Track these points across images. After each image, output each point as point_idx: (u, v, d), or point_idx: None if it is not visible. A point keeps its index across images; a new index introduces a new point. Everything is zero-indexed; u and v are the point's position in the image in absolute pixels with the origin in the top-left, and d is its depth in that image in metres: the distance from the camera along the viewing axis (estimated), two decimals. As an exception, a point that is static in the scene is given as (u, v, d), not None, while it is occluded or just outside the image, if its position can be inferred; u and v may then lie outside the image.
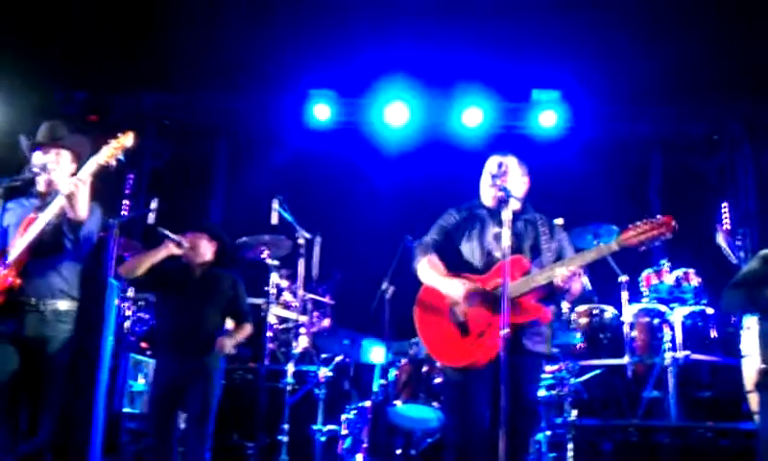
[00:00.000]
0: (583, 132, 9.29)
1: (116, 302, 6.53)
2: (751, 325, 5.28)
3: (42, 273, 4.63)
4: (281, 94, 9.32)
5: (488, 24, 8.07)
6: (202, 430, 5.39)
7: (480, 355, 4.34)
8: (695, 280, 7.43)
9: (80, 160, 4.85)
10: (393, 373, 6.30)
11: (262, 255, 7.25)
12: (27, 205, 4.80)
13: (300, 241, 7.36)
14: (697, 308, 7.24)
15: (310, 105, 9.31)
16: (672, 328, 7.08)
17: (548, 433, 6.11)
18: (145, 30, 8.01)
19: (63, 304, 4.68)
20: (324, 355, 7.01)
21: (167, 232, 5.62)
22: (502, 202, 4.33)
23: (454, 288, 4.46)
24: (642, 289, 7.55)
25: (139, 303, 7.20)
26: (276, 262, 7.30)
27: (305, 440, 6.52)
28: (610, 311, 7.39)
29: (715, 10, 7.59)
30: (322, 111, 9.30)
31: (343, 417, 6.31)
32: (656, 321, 7.21)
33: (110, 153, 4.60)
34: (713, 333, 7.18)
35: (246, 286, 5.91)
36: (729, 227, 8.13)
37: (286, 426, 6.30)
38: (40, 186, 4.79)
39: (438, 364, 4.67)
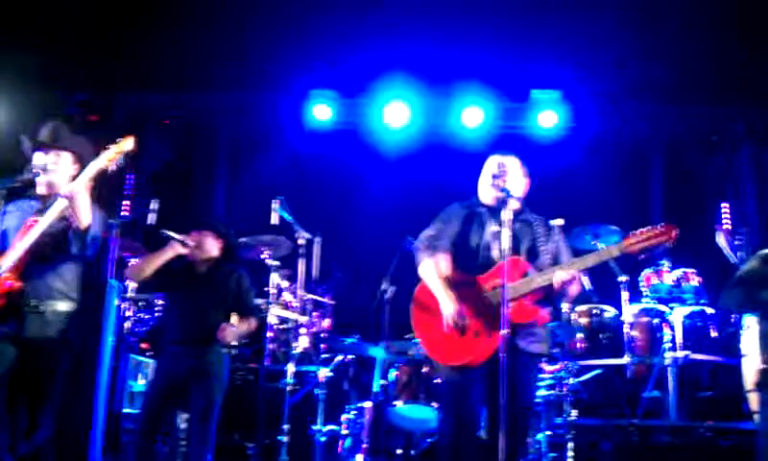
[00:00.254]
0: (583, 132, 9.28)
1: (116, 302, 6.55)
2: (750, 324, 5.29)
3: (42, 275, 4.63)
4: (282, 94, 9.32)
5: (488, 24, 8.07)
6: (204, 430, 5.39)
7: (476, 355, 4.35)
8: (695, 280, 7.44)
9: (81, 162, 4.86)
10: (393, 373, 6.30)
11: (262, 256, 7.25)
12: (27, 207, 4.80)
13: (301, 241, 7.35)
14: (697, 308, 7.24)
15: (310, 105, 9.31)
16: (672, 328, 7.08)
17: (548, 433, 6.11)
18: (146, 30, 8.00)
19: (63, 306, 4.69)
20: (323, 356, 7.01)
21: (171, 233, 5.64)
22: (502, 202, 4.35)
23: (445, 306, 4.49)
24: (642, 289, 7.56)
25: (139, 303, 7.20)
26: (276, 262, 7.30)
27: (305, 440, 6.51)
28: (610, 311, 7.40)
29: (716, 10, 7.58)
30: (322, 112, 9.30)
31: (343, 417, 6.31)
32: (656, 321, 7.22)
33: (111, 157, 4.61)
34: (713, 333, 7.19)
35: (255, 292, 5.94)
36: (729, 227, 8.12)
37: (286, 427, 6.29)
38: (41, 188, 4.80)
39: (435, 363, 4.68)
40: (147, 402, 5.65)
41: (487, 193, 4.76)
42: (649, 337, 7.18)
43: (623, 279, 7.30)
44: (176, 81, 8.99)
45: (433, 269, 4.62)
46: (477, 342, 4.36)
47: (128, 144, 4.66)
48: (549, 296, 4.51)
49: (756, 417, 5.14)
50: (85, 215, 4.54)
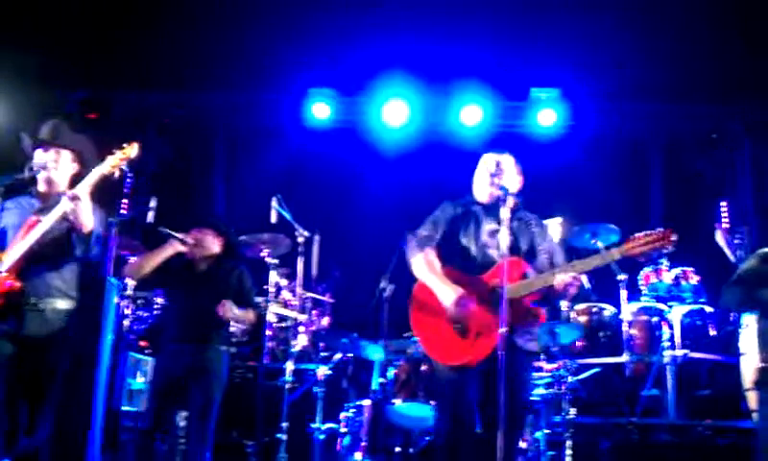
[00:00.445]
0: (582, 130, 9.29)
1: (116, 300, 6.54)
2: (749, 323, 5.30)
3: (42, 273, 4.64)
4: (281, 93, 9.32)
5: (487, 22, 8.07)
6: (203, 428, 5.40)
7: (476, 354, 4.35)
8: (694, 279, 7.44)
9: (80, 160, 4.87)
10: (391, 371, 6.31)
11: (261, 254, 7.25)
12: (27, 205, 4.81)
13: (300, 240, 7.35)
14: (696, 307, 7.25)
15: (309, 103, 9.31)
16: (671, 327, 7.09)
17: (547, 431, 6.11)
18: (145, 28, 8.01)
19: (63, 304, 4.69)
20: (322, 354, 7.01)
21: (170, 231, 5.64)
22: (501, 200, 4.35)
23: (446, 296, 4.46)
24: (641, 287, 7.57)
25: (138, 301, 7.20)
26: (275, 261, 7.29)
27: (304, 438, 6.51)
28: (609, 310, 7.41)
29: (715, 9, 7.59)
30: (321, 110, 9.30)
31: (342, 415, 6.31)
32: (654, 319, 7.23)
33: (114, 163, 4.62)
34: (712, 332, 7.20)
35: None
36: (728, 225, 8.12)
37: (285, 425, 6.29)
38: (41, 186, 4.81)
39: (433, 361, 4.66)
40: (151, 401, 5.65)
41: (483, 191, 4.73)
42: (648, 336, 7.19)
43: (622, 277, 7.30)
44: (175, 79, 8.99)
45: (425, 264, 4.59)
46: (477, 341, 4.36)
47: (132, 151, 4.67)
48: (548, 296, 4.52)
49: (754, 415, 5.15)
50: (88, 219, 4.57)
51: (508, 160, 4.74)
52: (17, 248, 4.56)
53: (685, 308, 7.22)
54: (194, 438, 5.44)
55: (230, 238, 5.98)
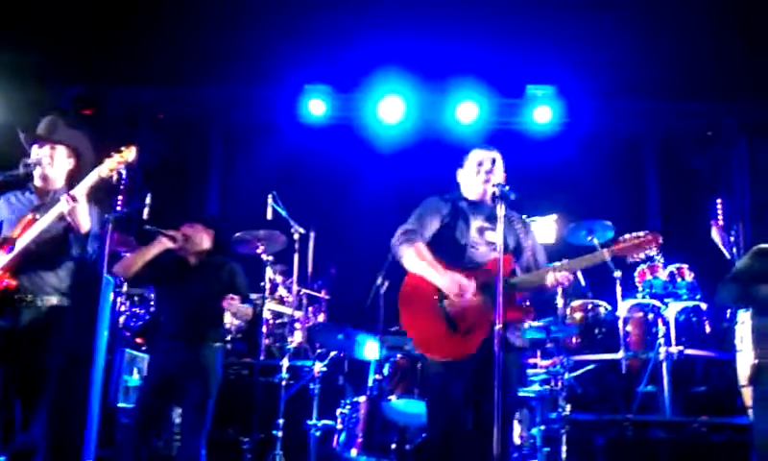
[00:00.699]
0: (578, 127, 9.30)
1: (111, 297, 6.54)
2: (745, 320, 5.30)
3: (37, 270, 4.63)
4: (276, 89, 9.31)
5: (483, 19, 8.07)
6: (198, 424, 5.38)
7: (463, 349, 4.34)
8: (689, 276, 7.46)
9: (76, 156, 4.86)
10: (387, 368, 6.30)
11: (257, 251, 7.24)
12: (23, 200, 4.80)
13: (295, 236, 7.35)
14: (691, 304, 7.27)
15: (305, 100, 9.30)
16: (666, 324, 7.10)
17: (542, 428, 6.12)
18: (140, 24, 7.99)
19: (59, 300, 4.68)
20: (318, 350, 7.01)
21: (158, 229, 5.62)
22: (498, 197, 4.32)
23: (445, 281, 4.38)
24: (637, 284, 7.58)
25: (134, 298, 7.19)
26: (270, 257, 7.28)
27: (300, 435, 6.51)
28: (604, 307, 7.42)
29: (710, 6, 7.59)
30: (317, 106, 9.30)
31: (338, 412, 6.31)
32: (650, 316, 7.24)
33: (112, 167, 4.60)
34: (707, 328, 7.22)
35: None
36: (723, 222, 8.15)
37: (281, 421, 6.29)
38: (36, 182, 4.80)
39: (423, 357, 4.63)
40: (141, 398, 5.64)
41: (474, 188, 4.68)
42: (643, 332, 7.20)
43: (617, 274, 7.30)
44: (170, 75, 8.98)
45: (416, 255, 4.50)
46: (466, 337, 4.35)
47: (130, 154, 4.65)
48: (535, 293, 4.54)
49: (749, 412, 5.15)
50: (86, 221, 4.58)
51: (498, 157, 4.72)
52: (14, 246, 4.55)
53: (681, 305, 7.24)
54: (189, 434, 5.42)
55: (220, 233, 5.94)
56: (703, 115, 9.32)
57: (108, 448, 6.04)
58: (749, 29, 7.75)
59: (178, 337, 5.53)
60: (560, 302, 7.14)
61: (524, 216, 4.90)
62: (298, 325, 7.33)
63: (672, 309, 7.18)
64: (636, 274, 7.59)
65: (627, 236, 4.39)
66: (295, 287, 7.53)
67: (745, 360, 5.20)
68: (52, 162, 4.79)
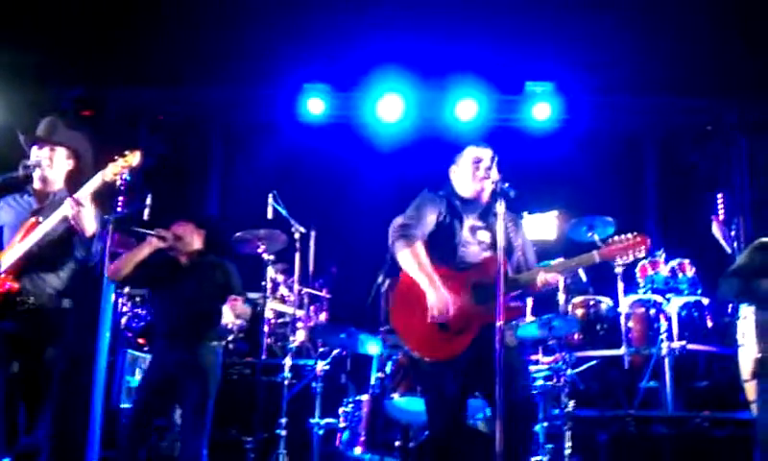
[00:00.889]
0: (577, 124, 9.29)
1: (113, 298, 6.54)
2: (747, 314, 5.30)
3: (40, 272, 4.63)
4: (276, 88, 9.30)
5: (481, 16, 8.06)
6: (198, 424, 5.38)
7: (454, 349, 4.33)
8: (690, 271, 7.47)
9: (76, 157, 4.86)
10: (390, 366, 6.30)
11: (258, 250, 7.24)
12: (22, 203, 4.79)
13: (296, 235, 7.35)
14: (693, 299, 7.27)
15: (304, 99, 9.29)
16: (668, 319, 7.11)
17: (545, 424, 6.12)
18: (139, 25, 7.98)
19: (61, 302, 4.68)
20: (320, 349, 7.01)
21: (146, 230, 5.60)
22: (498, 195, 4.30)
23: (434, 298, 4.33)
24: (638, 280, 7.58)
25: (136, 299, 7.19)
26: (271, 257, 7.29)
27: (303, 434, 6.52)
28: (606, 302, 7.42)
29: (709, 2, 7.59)
30: (316, 105, 9.29)
31: (340, 410, 6.31)
32: (652, 311, 7.25)
33: (116, 171, 4.60)
34: (709, 323, 7.22)
35: (242, 281, 5.89)
36: (723, 217, 8.14)
37: (284, 420, 6.29)
38: (36, 183, 4.80)
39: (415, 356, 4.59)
40: (138, 396, 5.64)
41: (469, 186, 4.65)
42: (645, 328, 7.21)
43: (619, 270, 7.30)
44: (170, 76, 8.96)
45: (413, 259, 4.45)
46: (457, 337, 4.34)
47: (134, 159, 4.65)
48: (525, 293, 4.55)
49: (752, 407, 5.15)
50: (90, 224, 4.57)
51: (492, 155, 4.70)
52: (16, 249, 4.55)
53: (682, 300, 7.24)
54: (189, 434, 5.41)
55: (212, 233, 5.92)
56: (702, 112, 9.30)
57: (112, 448, 6.04)
58: (748, 25, 7.74)
59: (172, 337, 5.53)
60: (561, 298, 7.13)
61: (525, 212, 4.90)
62: (299, 324, 7.33)
63: (674, 305, 7.18)
64: (637, 269, 7.60)
65: (615, 238, 4.41)
66: (296, 286, 7.53)
67: (747, 355, 5.20)
68: (51, 164, 4.79)
